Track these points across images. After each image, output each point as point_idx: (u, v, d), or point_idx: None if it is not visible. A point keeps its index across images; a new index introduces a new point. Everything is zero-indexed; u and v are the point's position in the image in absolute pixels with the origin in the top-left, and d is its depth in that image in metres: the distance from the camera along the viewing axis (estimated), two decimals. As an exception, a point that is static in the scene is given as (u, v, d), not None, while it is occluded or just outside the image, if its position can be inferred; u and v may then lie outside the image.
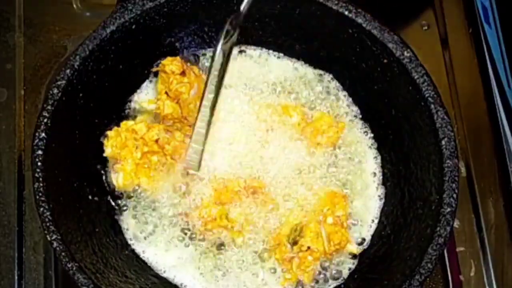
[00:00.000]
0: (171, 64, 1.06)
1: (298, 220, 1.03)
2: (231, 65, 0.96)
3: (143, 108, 1.10)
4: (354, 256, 1.04)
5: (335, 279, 1.03)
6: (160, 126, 1.05)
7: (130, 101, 1.11)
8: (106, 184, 1.07)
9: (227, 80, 1.00)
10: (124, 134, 1.05)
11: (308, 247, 1.01)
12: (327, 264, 1.03)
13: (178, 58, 1.08)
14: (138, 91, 1.11)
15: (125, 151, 1.04)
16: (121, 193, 1.07)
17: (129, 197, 1.06)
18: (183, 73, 1.07)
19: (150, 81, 1.11)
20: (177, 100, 1.06)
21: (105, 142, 1.06)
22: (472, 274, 1.10)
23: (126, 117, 1.09)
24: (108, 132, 1.06)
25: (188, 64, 1.09)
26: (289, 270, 1.02)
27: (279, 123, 1.08)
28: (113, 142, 1.05)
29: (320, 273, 1.03)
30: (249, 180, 1.05)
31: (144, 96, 1.11)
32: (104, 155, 1.06)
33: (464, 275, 1.10)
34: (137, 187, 1.06)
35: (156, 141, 1.04)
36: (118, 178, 1.05)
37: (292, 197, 1.05)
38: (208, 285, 1.03)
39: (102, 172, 1.07)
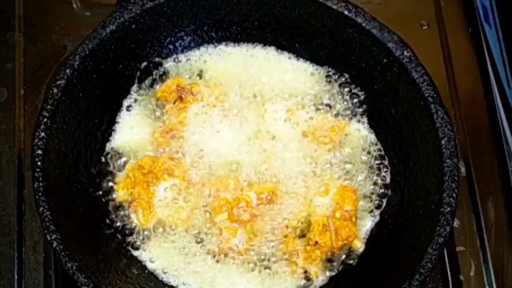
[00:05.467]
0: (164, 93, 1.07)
1: (306, 213, 1.03)
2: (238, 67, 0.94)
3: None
4: (355, 255, 1.04)
5: (336, 277, 1.03)
6: (164, 156, 1.04)
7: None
8: (107, 186, 1.07)
9: (231, 83, 1.00)
10: (132, 173, 1.04)
11: (316, 242, 1.01)
12: (331, 261, 1.03)
13: (174, 82, 1.08)
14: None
15: (137, 189, 1.04)
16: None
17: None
18: (180, 98, 1.07)
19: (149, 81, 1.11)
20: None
21: (115, 187, 1.06)
22: (472, 274, 1.10)
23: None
24: (116, 178, 1.06)
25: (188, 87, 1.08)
26: (296, 262, 1.02)
27: (284, 123, 1.09)
28: (123, 185, 1.05)
29: (324, 268, 1.03)
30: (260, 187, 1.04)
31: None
32: (117, 200, 1.05)
33: (464, 275, 1.10)
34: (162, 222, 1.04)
35: (166, 170, 1.04)
36: (138, 217, 1.04)
37: (299, 192, 1.05)
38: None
39: (103, 172, 1.07)
